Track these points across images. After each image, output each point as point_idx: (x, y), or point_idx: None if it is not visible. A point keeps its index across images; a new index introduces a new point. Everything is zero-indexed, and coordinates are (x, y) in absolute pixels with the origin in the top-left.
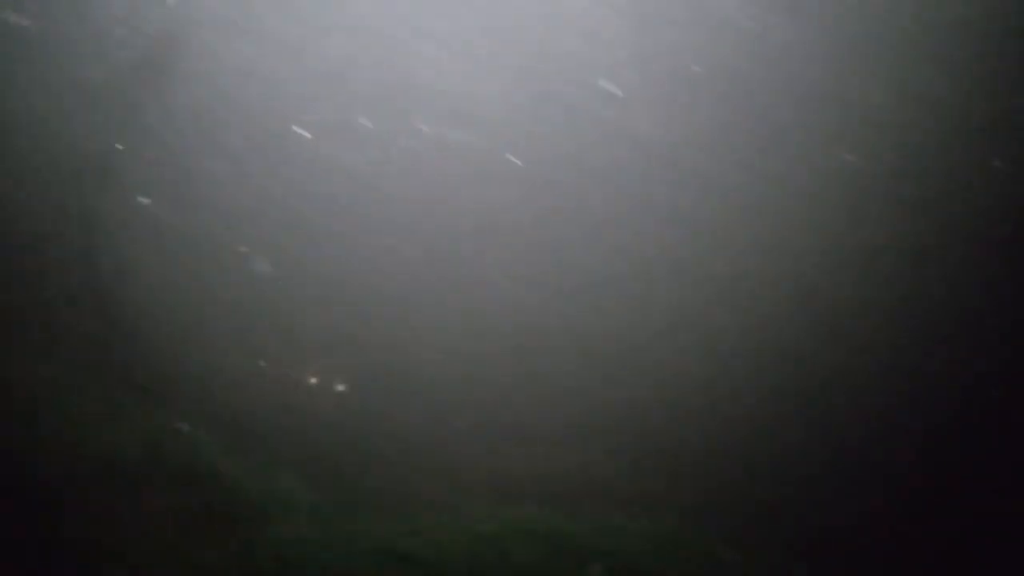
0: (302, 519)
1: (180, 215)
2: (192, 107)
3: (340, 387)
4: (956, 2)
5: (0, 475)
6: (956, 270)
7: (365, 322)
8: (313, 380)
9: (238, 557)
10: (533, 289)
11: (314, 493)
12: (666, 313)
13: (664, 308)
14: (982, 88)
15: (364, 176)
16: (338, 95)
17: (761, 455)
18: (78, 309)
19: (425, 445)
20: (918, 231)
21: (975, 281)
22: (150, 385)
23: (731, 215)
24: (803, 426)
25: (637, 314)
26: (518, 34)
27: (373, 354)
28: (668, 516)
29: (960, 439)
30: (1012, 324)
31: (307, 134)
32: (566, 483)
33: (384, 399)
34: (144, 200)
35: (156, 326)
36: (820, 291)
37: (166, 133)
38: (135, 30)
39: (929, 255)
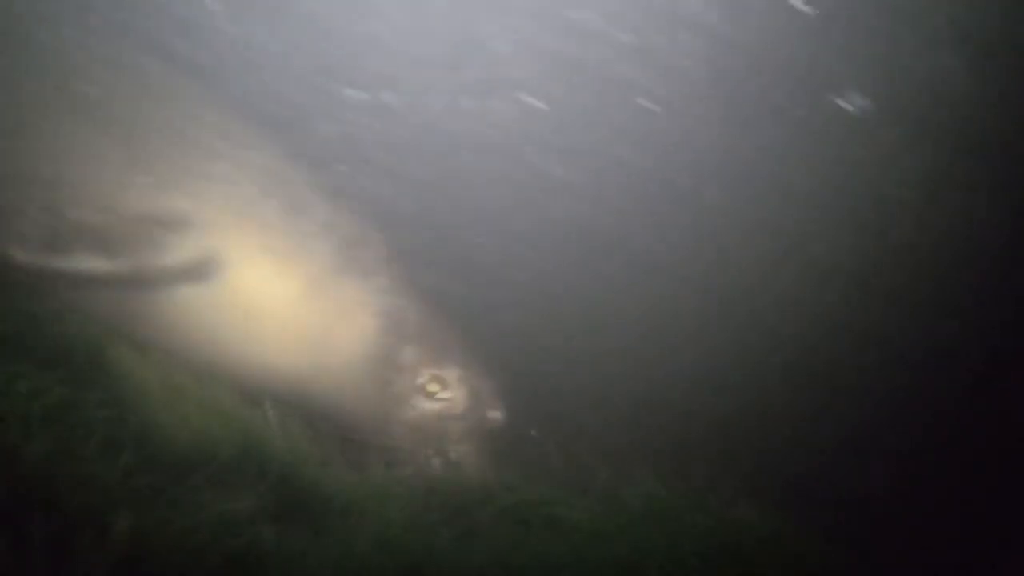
0: (388, 518)
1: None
2: None
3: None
4: None
5: (97, 464)
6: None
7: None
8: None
9: (324, 553)
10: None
11: (403, 492)
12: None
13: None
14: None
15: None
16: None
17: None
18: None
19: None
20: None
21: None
22: (246, 382)
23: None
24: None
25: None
26: None
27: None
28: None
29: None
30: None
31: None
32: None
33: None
34: None
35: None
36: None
37: None
38: None
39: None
